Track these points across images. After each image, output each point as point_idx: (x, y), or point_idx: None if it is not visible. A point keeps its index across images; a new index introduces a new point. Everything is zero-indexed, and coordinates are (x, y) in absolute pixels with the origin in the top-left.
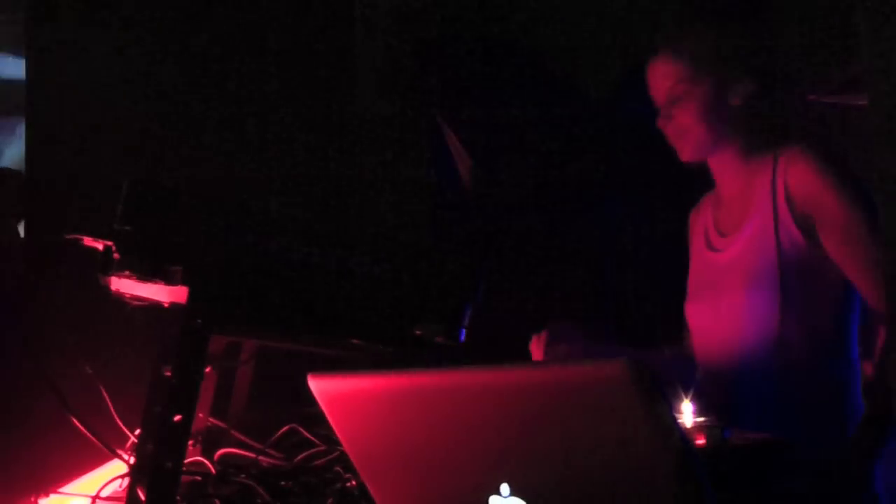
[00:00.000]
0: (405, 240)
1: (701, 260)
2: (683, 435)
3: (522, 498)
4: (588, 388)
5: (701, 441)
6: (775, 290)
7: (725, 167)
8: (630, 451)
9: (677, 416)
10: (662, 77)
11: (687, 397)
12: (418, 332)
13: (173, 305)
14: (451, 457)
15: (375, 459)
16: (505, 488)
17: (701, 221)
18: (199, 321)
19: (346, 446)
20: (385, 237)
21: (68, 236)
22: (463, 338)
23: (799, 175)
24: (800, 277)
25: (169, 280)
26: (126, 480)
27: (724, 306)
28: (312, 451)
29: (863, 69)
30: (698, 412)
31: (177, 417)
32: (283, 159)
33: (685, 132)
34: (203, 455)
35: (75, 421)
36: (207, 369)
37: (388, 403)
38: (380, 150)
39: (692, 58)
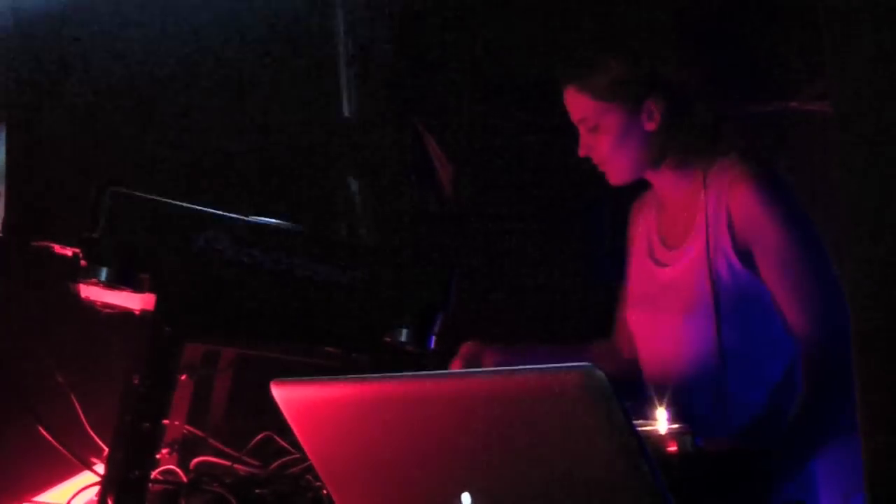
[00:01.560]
0: (377, 247)
1: (642, 268)
2: (642, 443)
3: None
4: (546, 397)
5: (673, 448)
6: (711, 318)
7: (664, 181)
8: (589, 458)
9: (639, 423)
10: (573, 108)
11: (661, 404)
12: (388, 340)
13: (144, 313)
14: (412, 465)
15: (339, 467)
16: (466, 497)
17: (643, 222)
18: (168, 329)
19: (310, 454)
20: (357, 244)
21: (37, 243)
22: (433, 345)
23: (741, 200)
24: (738, 305)
25: (136, 287)
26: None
27: (664, 324)
28: (288, 458)
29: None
30: (672, 419)
31: (146, 426)
32: (257, 167)
33: (605, 161)
34: (180, 463)
35: (43, 431)
36: (183, 377)
37: (350, 411)
38: (357, 157)
39: (597, 89)
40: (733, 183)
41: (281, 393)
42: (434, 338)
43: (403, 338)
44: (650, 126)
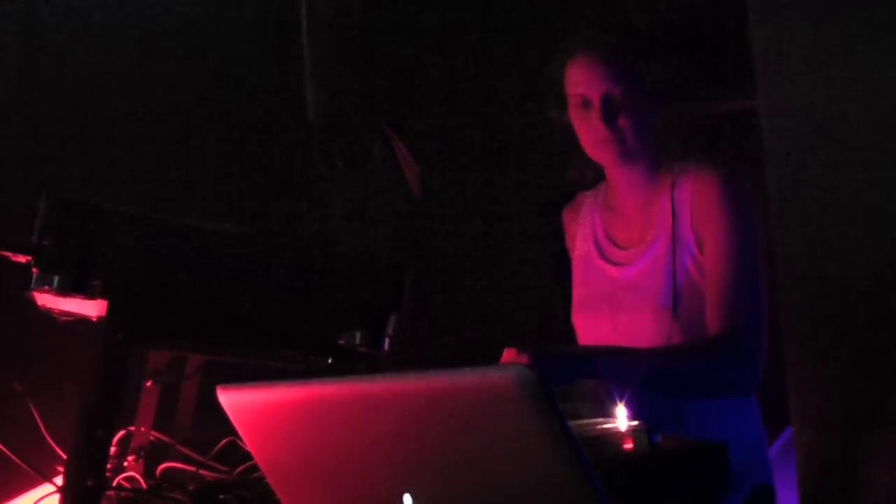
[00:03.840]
0: (332, 249)
1: (592, 269)
2: (575, 442)
3: None
4: (481, 398)
5: (629, 445)
6: (669, 313)
7: (630, 179)
8: (525, 459)
9: (598, 420)
10: (585, 77)
11: (621, 401)
12: (341, 342)
13: (101, 319)
14: (354, 467)
15: (285, 470)
16: (407, 498)
17: (585, 225)
18: (120, 335)
19: (257, 457)
20: (313, 247)
21: None
22: (386, 347)
23: (703, 192)
24: (692, 300)
25: (88, 294)
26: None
27: (624, 323)
28: (253, 463)
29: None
30: (632, 416)
31: (99, 433)
32: (209, 170)
33: (620, 137)
34: (147, 470)
35: None
36: (149, 384)
37: (293, 415)
38: (316, 158)
39: (628, 63)
40: (698, 179)
41: (226, 398)
42: (387, 340)
43: (357, 340)
44: (657, 111)
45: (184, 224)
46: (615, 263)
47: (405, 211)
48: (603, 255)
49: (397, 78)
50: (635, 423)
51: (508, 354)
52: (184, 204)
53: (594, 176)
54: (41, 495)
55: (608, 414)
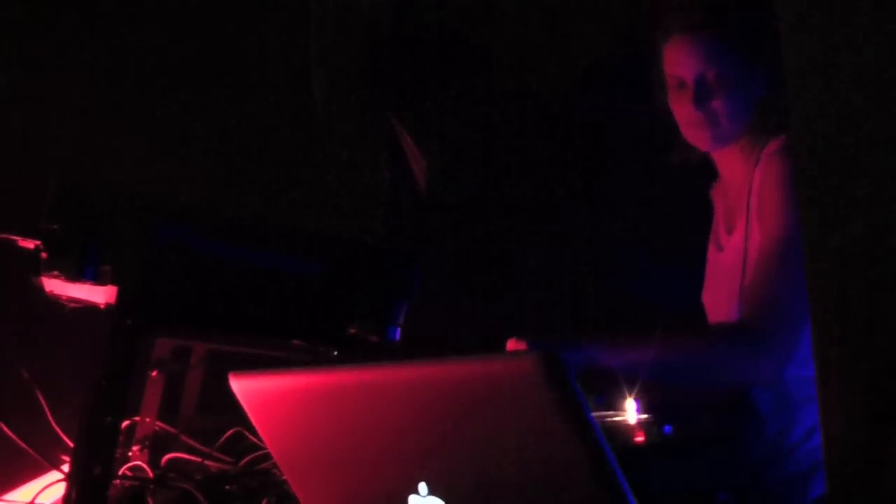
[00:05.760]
0: (341, 238)
1: (711, 254)
2: (598, 431)
3: (440, 497)
4: (502, 384)
5: (640, 437)
6: (735, 308)
7: (726, 161)
8: (545, 446)
9: (609, 413)
10: (691, 58)
11: (631, 394)
12: (353, 331)
13: (109, 306)
14: (369, 455)
15: (298, 458)
16: (423, 487)
17: (717, 208)
18: (130, 321)
19: (269, 445)
20: (322, 235)
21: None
22: (398, 336)
23: (769, 175)
24: None
25: (98, 280)
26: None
27: (717, 313)
28: (258, 454)
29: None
30: (642, 409)
31: (107, 421)
32: (221, 159)
33: (713, 120)
34: (152, 460)
35: (6, 428)
36: (154, 373)
37: (307, 402)
38: (326, 150)
39: (727, 42)
40: (771, 160)
41: (239, 385)
42: (398, 329)
43: (367, 329)
44: (762, 89)
45: (194, 210)
46: (720, 248)
47: (411, 204)
48: (717, 239)
49: (405, 67)
50: (645, 416)
51: (511, 345)
52: (198, 191)
53: (701, 158)
54: (48, 483)
55: (616, 408)
